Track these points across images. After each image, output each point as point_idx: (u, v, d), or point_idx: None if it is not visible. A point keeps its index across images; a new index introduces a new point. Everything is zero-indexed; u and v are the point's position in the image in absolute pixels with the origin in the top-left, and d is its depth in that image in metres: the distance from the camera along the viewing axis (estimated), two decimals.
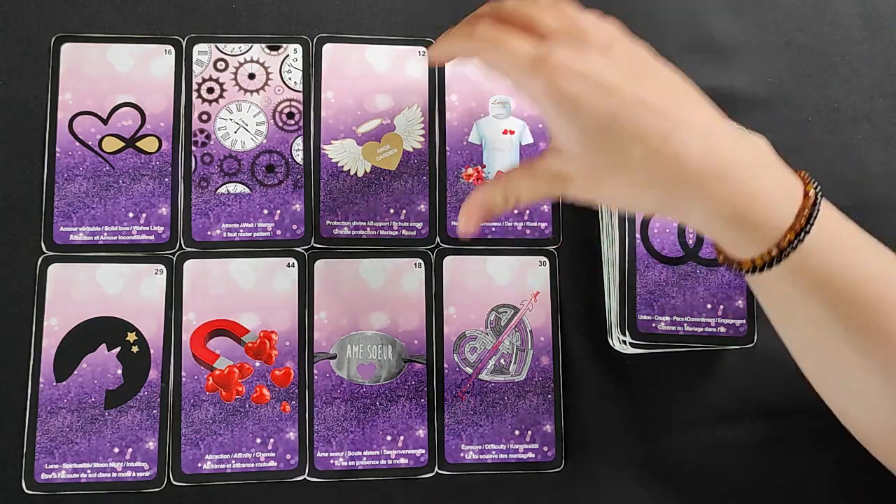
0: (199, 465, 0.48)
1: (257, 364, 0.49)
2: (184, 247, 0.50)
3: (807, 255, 0.35)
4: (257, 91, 0.52)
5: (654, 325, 0.48)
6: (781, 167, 0.37)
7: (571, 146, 0.37)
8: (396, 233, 0.52)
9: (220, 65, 0.52)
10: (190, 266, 0.50)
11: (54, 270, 0.49)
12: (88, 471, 0.48)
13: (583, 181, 0.38)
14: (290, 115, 0.52)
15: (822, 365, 0.40)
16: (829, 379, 0.40)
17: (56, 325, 0.49)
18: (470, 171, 0.53)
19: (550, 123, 0.37)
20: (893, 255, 0.38)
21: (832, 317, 0.36)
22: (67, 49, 0.51)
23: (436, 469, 0.49)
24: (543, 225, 0.53)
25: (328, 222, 0.51)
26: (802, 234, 0.35)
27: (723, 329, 0.49)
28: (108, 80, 0.51)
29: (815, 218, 0.35)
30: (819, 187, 0.36)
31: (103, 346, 0.49)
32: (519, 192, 0.40)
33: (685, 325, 0.48)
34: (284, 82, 0.52)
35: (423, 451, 0.50)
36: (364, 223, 0.51)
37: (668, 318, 0.48)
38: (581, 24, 0.37)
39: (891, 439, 0.40)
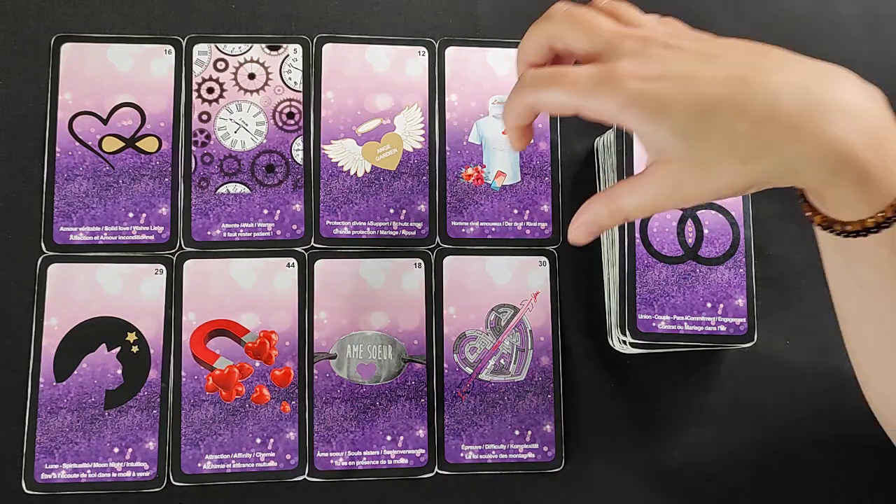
0: (199, 465, 0.48)
1: (257, 364, 0.49)
2: (184, 247, 0.50)
3: None
4: (257, 91, 0.52)
5: (654, 324, 0.48)
6: None
7: (669, 149, 0.35)
8: (396, 233, 0.52)
9: (220, 65, 0.52)
10: (190, 266, 0.50)
11: (54, 270, 0.49)
12: (88, 471, 0.48)
13: (694, 179, 0.35)
14: (290, 115, 0.52)
15: (882, 337, 0.38)
16: (883, 354, 0.39)
17: (56, 325, 0.49)
18: (470, 171, 0.53)
19: (640, 136, 0.36)
20: None
21: None
22: (67, 49, 0.51)
23: (436, 469, 0.49)
24: (543, 225, 0.53)
25: (328, 222, 0.51)
26: None
27: (723, 328, 0.49)
28: (108, 80, 0.51)
29: None
30: None
31: (103, 346, 0.49)
32: (623, 206, 0.38)
33: (685, 324, 0.48)
34: (284, 82, 0.52)
35: (423, 451, 0.49)
36: (364, 223, 0.51)
37: (668, 318, 0.48)
38: (635, 24, 0.37)
39: None
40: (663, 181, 0.36)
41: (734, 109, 0.33)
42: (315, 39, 0.53)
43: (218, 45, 0.52)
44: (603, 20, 0.37)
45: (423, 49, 0.54)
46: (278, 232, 0.51)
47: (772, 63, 0.34)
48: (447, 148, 0.53)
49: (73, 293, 0.49)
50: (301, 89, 0.52)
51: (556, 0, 0.40)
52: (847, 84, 0.34)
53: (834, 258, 0.38)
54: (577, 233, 0.40)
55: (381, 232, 0.51)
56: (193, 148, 0.51)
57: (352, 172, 0.52)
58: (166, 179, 0.51)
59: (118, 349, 0.49)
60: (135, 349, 0.49)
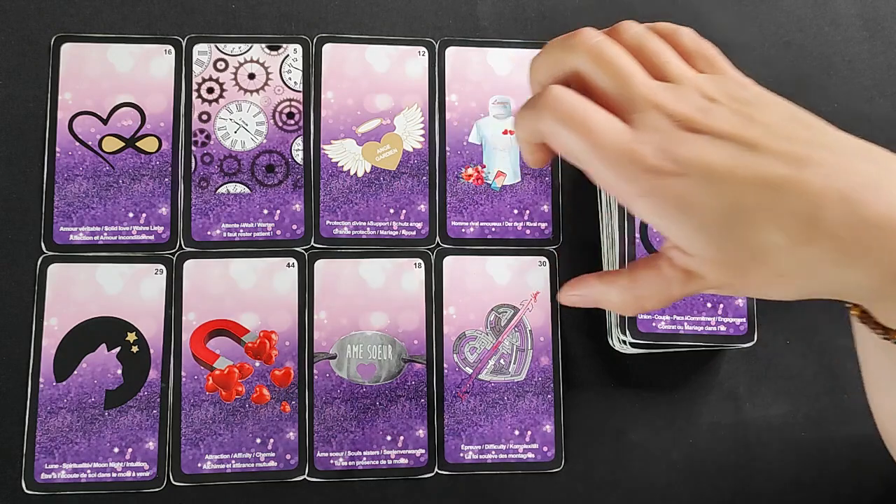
0: (199, 465, 0.48)
1: (257, 364, 0.49)
2: (184, 247, 0.50)
3: None
4: (257, 91, 0.52)
5: (654, 324, 0.48)
6: None
7: (693, 248, 0.30)
8: (396, 233, 0.52)
9: (220, 65, 0.52)
10: (190, 266, 0.50)
11: (54, 270, 0.49)
12: (88, 471, 0.48)
13: (722, 279, 0.31)
14: (290, 115, 0.52)
15: None
16: None
17: (56, 325, 0.49)
18: (470, 171, 0.53)
19: (656, 227, 0.31)
20: None
21: None
22: (67, 49, 0.51)
23: (436, 469, 0.49)
24: (543, 225, 0.53)
25: (328, 222, 0.51)
26: None
27: (723, 328, 0.49)
28: (108, 80, 0.51)
29: None
30: None
31: (103, 346, 0.49)
32: (643, 296, 0.33)
33: (685, 324, 0.48)
34: (284, 82, 0.52)
35: (423, 451, 0.49)
36: (364, 223, 0.51)
37: (668, 318, 0.48)
38: (667, 76, 0.32)
39: None
40: (687, 272, 0.32)
41: (770, 220, 0.29)
42: (315, 39, 0.53)
43: (218, 45, 0.52)
44: (635, 69, 0.32)
45: (423, 49, 0.54)
46: (278, 232, 0.51)
47: (818, 160, 0.29)
48: (447, 148, 0.53)
49: (73, 293, 0.49)
50: (301, 89, 0.52)
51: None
52: None
53: (876, 356, 0.35)
54: (573, 300, 0.36)
55: (381, 232, 0.51)
56: (193, 148, 0.51)
57: (352, 172, 0.52)
58: (166, 179, 0.51)
59: (118, 349, 0.49)
60: (135, 349, 0.49)
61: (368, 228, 0.51)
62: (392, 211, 0.52)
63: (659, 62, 0.32)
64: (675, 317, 0.48)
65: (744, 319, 0.49)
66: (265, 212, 0.51)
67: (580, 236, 0.53)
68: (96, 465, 0.48)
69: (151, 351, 0.49)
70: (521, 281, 0.52)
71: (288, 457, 0.49)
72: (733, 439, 0.51)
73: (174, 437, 0.48)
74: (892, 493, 0.50)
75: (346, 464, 0.49)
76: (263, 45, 0.53)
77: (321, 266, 0.51)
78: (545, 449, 0.50)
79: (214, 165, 0.51)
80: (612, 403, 0.51)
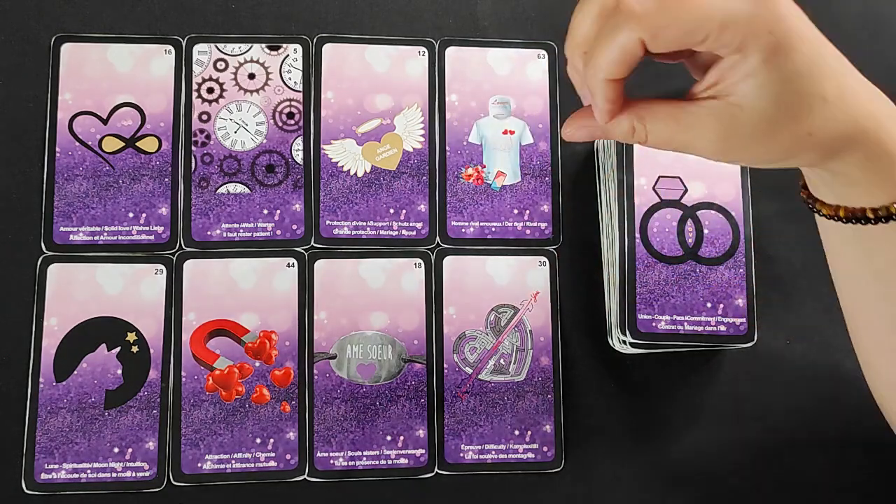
0: (199, 465, 0.48)
1: (257, 364, 0.49)
2: (184, 247, 0.50)
3: None
4: (257, 91, 0.52)
5: (654, 324, 0.48)
6: None
7: (752, 97, 0.32)
8: (396, 233, 0.52)
9: (220, 65, 0.52)
10: (190, 266, 0.50)
11: (54, 270, 0.49)
12: (88, 471, 0.48)
13: (750, 133, 0.32)
14: (290, 115, 0.52)
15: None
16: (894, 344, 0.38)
17: (56, 325, 0.49)
18: (470, 171, 0.53)
19: (730, 62, 0.32)
20: None
21: None
22: (67, 49, 0.51)
23: (436, 469, 0.49)
24: (543, 225, 0.53)
25: (328, 222, 0.51)
26: None
27: (723, 328, 0.49)
28: (108, 80, 0.51)
29: None
30: None
31: (103, 346, 0.49)
32: (653, 135, 0.33)
33: (685, 324, 0.48)
34: (284, 82, 0.52)
35: (423, 451, 0.49)
36: (364, 223, 0.51)
37: (668, 318, 0.48)
38: None
39: None
40: (715, 126, 0.32)
41: (831, 76, 0.34)
42: (315, 39, 0.53)
43: (218, 45, 0.52)
44: None
45: (423, 49, 0.54)
46: (278, 232, 0.51)
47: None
48: (447, 148, 0.53)
49: (73, 293, 0.49)
50: (301, 89, 0.53)
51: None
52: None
53: (851, 251, 0.37)
54: (579, 134, 0.36)
55: (381, 232, 0.51)
56: (193, 148, 0.51)
57: (352, 172, 0.52)
58: (166, 179, 0.51)
59: (118, 349, 0.49)
60: (135, 349, 0.49)
61: (368, 228, 0.51)
62: (392, 211, 0.52)
63: None
64: (675, 317, 0.48)
65: (744, 319, 0.49)
66: (265, 212, 0.51)
67: (580, 236, 0.53)
68: (96, 465, 0.48)
69: (151, 351, 0.49)
70: (521, 281, 0.52)
71: (288, 457, 0.49)
72: (733, 439, 0.51)
73: (174, 437, 0.48)
74: (893, 494, 0.50)
75: (346, 464, 0.49)
76: (263, 45, 0.53)
77: (321, 266, 0.51)
78: (545, 449, 0.50)
79: (214, 165, 0.51)
80: (612, 403, 0.51)
